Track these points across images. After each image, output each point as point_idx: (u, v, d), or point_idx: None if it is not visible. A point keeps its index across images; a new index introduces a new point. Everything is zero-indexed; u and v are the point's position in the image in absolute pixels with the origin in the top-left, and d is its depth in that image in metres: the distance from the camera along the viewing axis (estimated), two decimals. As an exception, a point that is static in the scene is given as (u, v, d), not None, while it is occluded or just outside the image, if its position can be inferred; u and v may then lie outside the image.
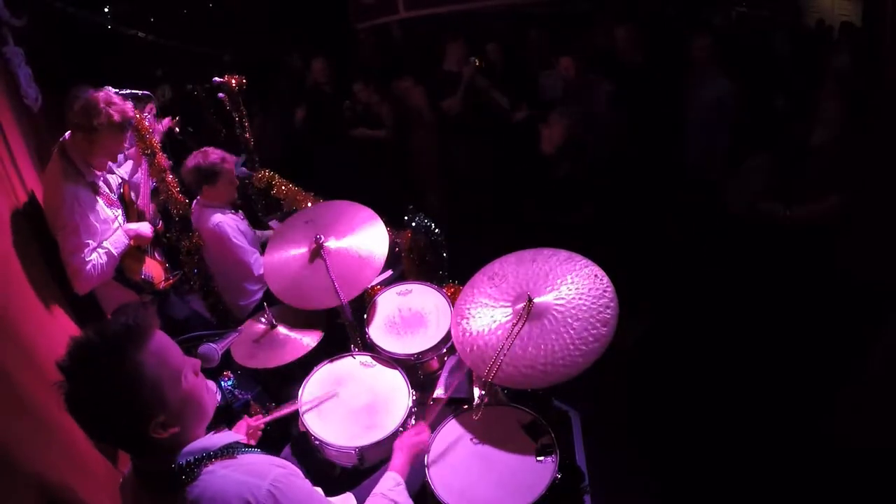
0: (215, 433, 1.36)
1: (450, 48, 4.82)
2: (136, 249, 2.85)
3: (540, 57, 5.06)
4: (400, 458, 1.76)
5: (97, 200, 2.64)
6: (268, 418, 2.01)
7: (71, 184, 2.51)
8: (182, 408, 1.26)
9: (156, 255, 3.03)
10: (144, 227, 2.86)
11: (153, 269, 2.95)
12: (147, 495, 1.30)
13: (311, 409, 2.07)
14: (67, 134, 2.63)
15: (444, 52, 4.89)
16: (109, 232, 2.68)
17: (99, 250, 2.58)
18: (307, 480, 1.37)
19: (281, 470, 1.29)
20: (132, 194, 3.02)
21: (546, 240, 2.22)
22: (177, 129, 3.54)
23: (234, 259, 3.11)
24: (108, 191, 2.78)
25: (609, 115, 4.11)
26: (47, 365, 1.91)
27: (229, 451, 1.30)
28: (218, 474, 1.24)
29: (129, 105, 2.64)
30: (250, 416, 2.05)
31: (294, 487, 1.28)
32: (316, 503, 1.36)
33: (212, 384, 2.42)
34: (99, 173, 2.71)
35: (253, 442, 1.88)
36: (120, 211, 2.83)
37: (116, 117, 2.56)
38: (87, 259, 2.50)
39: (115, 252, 2.62)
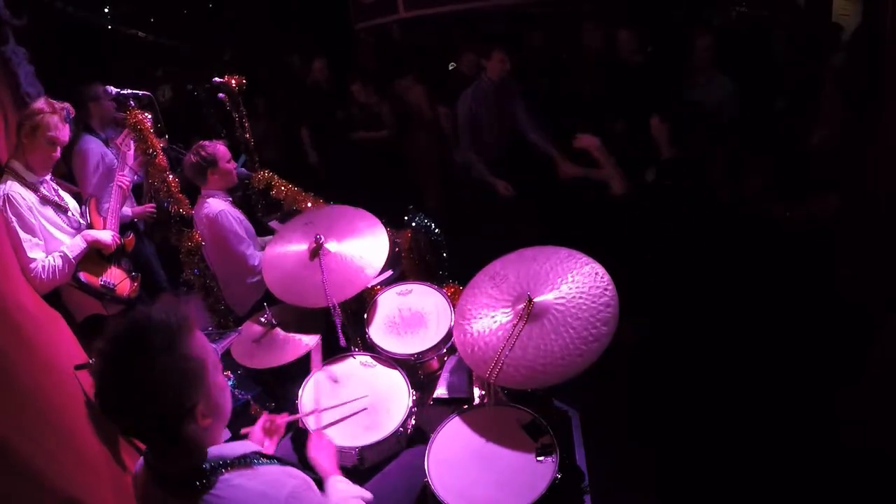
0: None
1: (465, 54, 4.65)
2: (97, 256, 2.83)
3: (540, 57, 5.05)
4: (323, 464, 1.71)
5: (35, 200, 2.61)
6: (291, 418, 1.96)
7: (4, 185, 2.52)
8: (217, 399, 1.28)
9: (122, 263, 3.00)
10: (105, 235, 2.84)
11: (115, 276, 2.92)
12: (159, 493, 1.30)
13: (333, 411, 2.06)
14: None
15: (458, 54, 4.78)
16: (53, 234, 2.66)
17: (55, 253, 2.58)
18: (319, 492, 1.38)
19: (295, 481, 1.30)
20: (102, 212, 3.01)
21: (546, 239, 2.22)
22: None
23: (230, 248, 3.11)
24: (55, 196, 2.76)
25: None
26: (48, 359, 1.91)
27: (246, 461, 1.30)
28: (234, 483, 1.25)
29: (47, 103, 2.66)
30: (250, 416, 2.04)
31: (309, 501, 1.30)
32: None
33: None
34: (41, 178, 2.68)
35: (271, 439, 1.86)
36: (71, 217, 2.81)
37: (46, 107, 2.60)
38: (31, 257, 2.49)
39: (70, 256, 2.61)
